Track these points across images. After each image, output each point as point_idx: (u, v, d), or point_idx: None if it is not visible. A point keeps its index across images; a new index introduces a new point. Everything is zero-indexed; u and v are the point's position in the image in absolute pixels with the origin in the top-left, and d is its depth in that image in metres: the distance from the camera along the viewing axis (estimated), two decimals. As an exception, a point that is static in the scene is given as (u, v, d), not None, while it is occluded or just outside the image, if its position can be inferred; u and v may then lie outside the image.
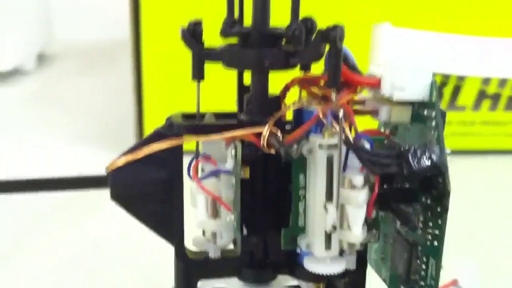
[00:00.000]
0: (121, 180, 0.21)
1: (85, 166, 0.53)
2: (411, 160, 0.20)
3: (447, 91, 0.57)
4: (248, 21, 0.22)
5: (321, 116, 0.20)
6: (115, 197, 0.21)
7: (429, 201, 0.22)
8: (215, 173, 0.21)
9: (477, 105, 0.58)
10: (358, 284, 0.23)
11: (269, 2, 0.21)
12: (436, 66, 0.59)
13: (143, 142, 0.21)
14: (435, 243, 0.21)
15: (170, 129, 0.21)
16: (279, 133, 0.21)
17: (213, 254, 0.22)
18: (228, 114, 0.23)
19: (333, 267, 0.22)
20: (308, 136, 0.21)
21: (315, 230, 0.21)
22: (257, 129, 0.21)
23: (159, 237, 0.22)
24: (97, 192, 0.22)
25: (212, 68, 0.22)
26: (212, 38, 0.22)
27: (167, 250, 0.23)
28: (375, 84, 0.21)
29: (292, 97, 0.23)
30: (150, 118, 0.56)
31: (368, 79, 0.21)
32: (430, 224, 0.22)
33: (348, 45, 0.21)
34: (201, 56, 0.21)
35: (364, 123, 0.22)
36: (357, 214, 0.21)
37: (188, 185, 0.22)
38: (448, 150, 0.20)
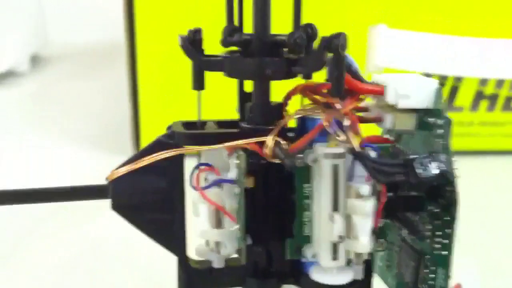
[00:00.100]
0: (122, 190, 0.21)
1: (78, 170, 0.53)
2: (418, 169, 0.20)
3: (445, 92, 0.57)
4: (248, 28, 0.21)
5: (325, 124, 0.20)
6: (116, 207, 0.21)
7: (436, 210, 0.21)
8: (219, 183, 0.21)
9: (474, 105, 0.57)
10: (364, 293, 0.23)
11: (269, 9, 0.20)
12: (433, 67, 0.59)
13: (144, 151, 0.21)
14: (444, 252, 0.21)
15: (171, 138, 0.21)
16: (282, 142, 0.20)
17: (217, 264, 0.22)
18: (229, 122, 0.22)
19: (340, 278, 0.21)
20: (312, 144, 0.21)
21: (321, 240, 0.21)
22: (260, 138, 0.20)
23: (161, 247, 0.22)
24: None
25: (211, 75, 0.22)
26: (210, 43, 0.21)
27: (169, 252, 0.22)
28: (380, 92, 0.20)
29: (294, 104, 0.22)
30: (146, 121, 0.55)
31: (372, 87, 0.21)
32: (439, 233, 0.21)
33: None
34: (201, 66, 0.21)
35: (367, 129, 0.22)
36: (364, 224, 0.20)
37: (190, 194, 0.21)
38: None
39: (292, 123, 0.22)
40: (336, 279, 0.21)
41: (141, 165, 0.21)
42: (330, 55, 0.20)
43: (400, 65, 0.53)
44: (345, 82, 0.20)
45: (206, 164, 0.21)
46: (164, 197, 0.21)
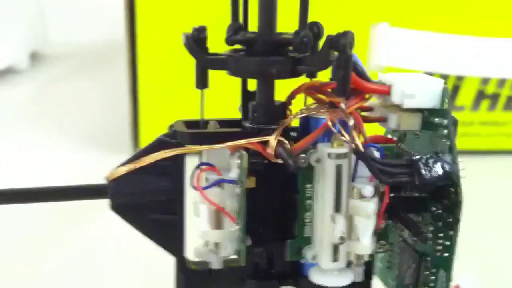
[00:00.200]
0: (121, 190, 0.21)
1: (76, 169, 0.53)
2: (422, 170, 0.20)
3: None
4: (252, 26, 0.21)
5: (329, 124, 0.20)
6: (115, 207, 0.21)
7: (439, 211, 0.21)
8: (220, 183, 0.21)
9: (476, 105, 0.57)
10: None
11: (275, 7, 0.20)
12: (434, 66, 0.59)
13: (144, 150, 0.21)
14: (446, 254, 0.21)
15: (173, 137, 0.21)
16: (286, 142, 0.20)
17: (216, 265, 0.22)
18: (232, 121, 0.22)
19: (340, 280, 0.21)
20: (315, 144, 0.20)
21: (322, 241, 0.21)
22: (263, 138, 0.20)
23: (160, 248, 0.22)
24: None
25: (214, 73, 0.22)
26: (212, 42, 0.21)
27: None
28: (386, 92, 0.20)
29: (297, 103, 0.22)
30: (146, 120, 0.55)
31: (378, 87, 0.20)
32: (441, 234, 0.21)
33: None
34: (205, 65, 0.20)
35: (370, 129, 0.22)
36: (366, 225, 0.20)
37: (190, 194, 0.21)
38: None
39: (295, 123, 0.22)
40: (335, 281, 0.21)
41: (142, 165, 0.20)
42: (335, 53, 0.19)
43: (401, 64, 0.53)
44: (351, 82, 0.19)
45: (208, 164, 0.21)
46: (164, 197, 0.21)
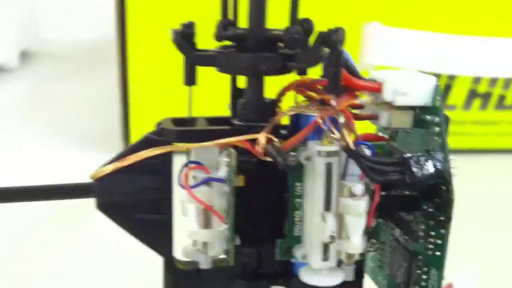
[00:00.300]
0: (107, 189, 0.20)
1: (67, 167, 0.52)
2: (414, 168, 0.19)
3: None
4: (242, 22, 0.20)
5: (320, 121, 0.19)
6: (101, 206, 0.20)
7: (431, 209, 0.21)
8: (208, 181, 0.20)
9: (467, 104, 0.57)
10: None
11: (265, 2, 0.20)
12: (426, 65, 0.58)
13: (132, 148, 0.20)
14: (437, 253, 0.21)
15: (160, 135, 0.20)
16: (275, 140, 0.20)
17: (204, 265, 0.21)
18: (221, 118, 0.22)
19: (330, 279, 0.21)
20: (305, 142, 0.20)
21: (312, 240, 0.20)
22: (252, 136, 0.20)
23: (147, 248, 0.21)
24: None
25: (203, 70, 0.21)
26: (203, 39, 0.21)
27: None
28: (377, 89, 0.20)
29: (288, 101, 0.22)
30: (136, 118, 0.54)
31: (369, 84, 0.20)
32: (432, 233, 0.21)
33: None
34: (193, 61, 0.20)
35: (361, 127, 0.21)
36: (357, 223, 0.20)
37: (179, 193, 0.21)
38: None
39: (285, 120, 0.21)
40: (326, 281, 0.21)
41: (128, 163, 0.20)
42: (326, 50, 0.19)
43: (393, 62, 0.52)
44: (341, 78, 0.19)
45: (196, 162, 0.21)
46: (152, 196, 0.21)
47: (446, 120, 0.20)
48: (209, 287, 0.22)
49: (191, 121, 0.21)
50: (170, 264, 0.21)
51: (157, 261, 0.22)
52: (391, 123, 0.21)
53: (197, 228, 0.21)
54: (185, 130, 0.20)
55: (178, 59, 0.21)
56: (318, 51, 0.19)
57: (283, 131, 0.22)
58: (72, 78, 0.83)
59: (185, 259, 0.22)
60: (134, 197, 0.20)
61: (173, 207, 0.21)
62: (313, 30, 0.20)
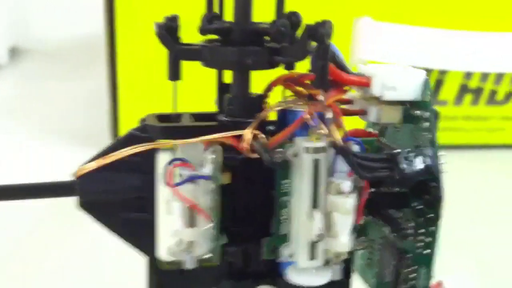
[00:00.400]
0: (90, 187, 0.20)
1: (54, 164, 0.52)
2: (403, 164, 0.19)
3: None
4: (228, 15, 0.20)
5: (307, 117, 0.19)
6: (84, 205, 0.20)
7: (420, 206, 0.20)
8: (193, 179, 0.20)
9: (459, 99, 0.57)
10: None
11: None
12: (417, 60, 0.58)
13: (115, 145, 0.20)
14: (427, 251, 0.20)
15: (144, 132, 0.20)
16: (262, 136, 0.19)
17: (189, 264, 0.21)
18: (206, 114, 0.21)
19: (318, 279, 0.21)
20: (292, 138, 0.20)
21: (299, 239, 0.20)
22: (238, 132, 0.19)
23: (131, 248, 0.21)
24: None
25: (189, 65, 0.21)
26: (189, 34, 0.20)
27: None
28: (365, 84, 0.19)
29: (275, 96, 0.21)
30: (125, 115, 0.54)
31: (358, 78, 0.20)
32: (422, 231, 0.20)
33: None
34: (177, 55, 0.19)
35: (350, 122, 0.21)
36: (345, 221, 0.20)
37: (163, 191, 0.20)
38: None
39: (273, 116, 0.21)
40: (313, 280, 0.20)
41: (111, 161, 0.19)
42: (314, 44, 0.18)
43: (384, 58, 0.52)
44: (329, 73, 0.19)
45: (181, 159, 0.20)
46: (135, 194, 0.20)
47: (436, 115, 0.20)
48: (195, 287, 0.21)
49: (176, 117, 0.21)
50: (154, 264, 0.21)
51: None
52: (380, 118, 0.20)
53: (182, 227, 0.20)
54: (168, 126, 0.20)
55: (167, 55, 0.20)
56: (305, 45, 0.18)
57: (270, 127, 0.21)
58: (62, 74, 0.82)
59: (170, 259, 0.21)
60: (117, 196, 0.20)
61: (157, 205, 0.20)
62: (301, 23, 0.20)
